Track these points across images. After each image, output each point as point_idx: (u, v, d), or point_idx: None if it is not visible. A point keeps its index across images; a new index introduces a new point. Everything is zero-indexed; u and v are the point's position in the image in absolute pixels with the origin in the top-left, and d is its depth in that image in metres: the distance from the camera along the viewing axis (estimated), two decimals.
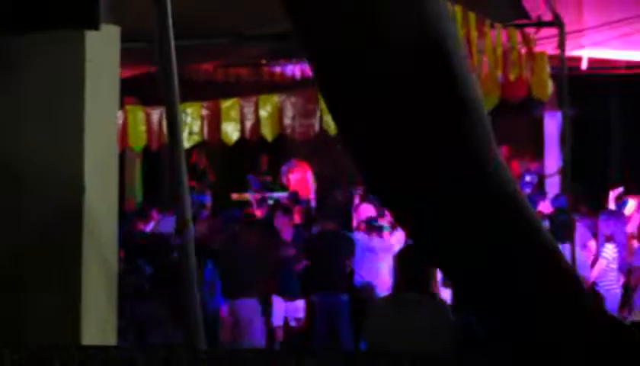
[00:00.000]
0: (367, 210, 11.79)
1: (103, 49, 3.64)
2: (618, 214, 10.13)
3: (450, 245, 1.49)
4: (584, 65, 11.77)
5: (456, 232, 1.47)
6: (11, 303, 3.45)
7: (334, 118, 1.51)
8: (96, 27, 3.56)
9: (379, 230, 10.86)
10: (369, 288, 10.44)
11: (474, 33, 7.82)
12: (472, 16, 7.73)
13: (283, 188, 16.25)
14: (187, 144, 11.56)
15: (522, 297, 1.49)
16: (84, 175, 3.52)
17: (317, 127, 12.12)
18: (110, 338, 3.70)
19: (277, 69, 15.13)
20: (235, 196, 16.15)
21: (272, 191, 16.35)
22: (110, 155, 3.74)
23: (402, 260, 6.51)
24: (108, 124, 3.72)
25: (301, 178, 16.19)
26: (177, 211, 3.97)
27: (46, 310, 3.48)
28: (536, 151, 15.24)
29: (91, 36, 3.57)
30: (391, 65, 1.39)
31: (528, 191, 13.74)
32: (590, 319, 1.50)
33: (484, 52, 7.94)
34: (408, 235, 1.58)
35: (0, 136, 3.52)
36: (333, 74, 1.45)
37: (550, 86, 9.97)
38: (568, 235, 8.10)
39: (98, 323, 3.61)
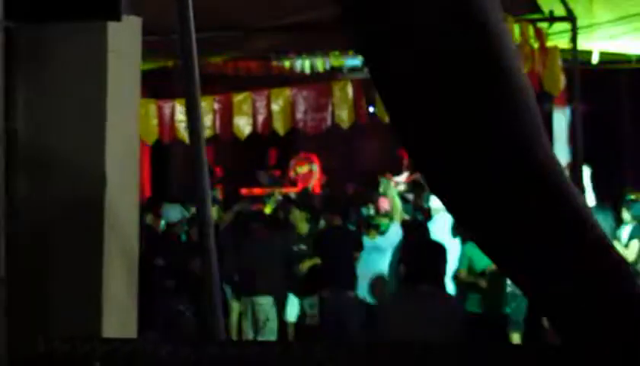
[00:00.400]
0: (384, 204, 11.77)
1: (125, 40, 3.61)
2: None
3: (498, 231, 1.48)
4: (594, 59, 11.72)
5: (504, 218, 1.46)
6: (35, 294, 3.42)
7: (386, 103, 1.50)
8: (118, 18, 3.53)
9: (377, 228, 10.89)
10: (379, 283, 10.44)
11: None
12: None
13: (292, 183, 16.25)
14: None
15: (571, 287, 1.47)
16: (106, 167, 3.49)
17: (329, 121, 12.13)
18: (131, 332, 3.67)
19: (287, 64, 15.10)
20: (244, 191, 16.16)
21: (280, 185, 16.35)
22: (131, 147, 3.71)
23: (413, 253, 6.56)
24: (130, 115, 3.70)
25: (308, 171, 16.19)
26: (198, 206, 3.95)
27: (68, 301, 3.46)
28: None
29: (113, 27, 3.54)
30: (439, 41, 1.38)
31: None
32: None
33: None
34: (457, 221, 1.57)
35: (25, 126, 3.49)
36: (382, 55, 1.44)
37: (562, 81, 9.93)
38: None
39: (119, 316, 3.59)
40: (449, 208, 1.52)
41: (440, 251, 6.44)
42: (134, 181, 3.71)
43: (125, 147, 3.64)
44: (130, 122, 3.70)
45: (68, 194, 3.47)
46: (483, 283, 9.36)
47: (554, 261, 1.45)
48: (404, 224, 10.62)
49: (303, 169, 16.16)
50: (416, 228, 10.34)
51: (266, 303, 10.01)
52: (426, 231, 10.10)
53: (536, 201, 1.44)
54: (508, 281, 9.02)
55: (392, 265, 10.12)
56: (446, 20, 1.37)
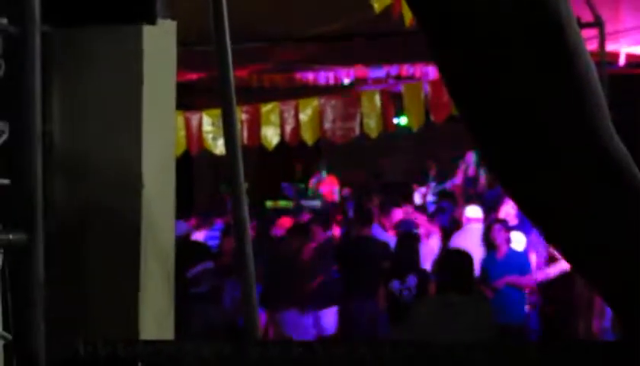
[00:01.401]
0: (399, 215, 11.72)
1: (160, 44, 3.59)
2: None
3: (567, 220, 1.45)
4: (621, 62, 11.67)
5: (573, 205, 1.43)
6: (73, 298, 3.40)
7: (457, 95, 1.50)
8: (153, 21, 3.52)
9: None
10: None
11: None
12: None
13: (318, 196, 16.22)
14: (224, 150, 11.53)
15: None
16: (143, 170, 3.47)
17: (357, 130, 12.11)
18: (168, 335, 3.64)
19: (311, 75, 15.11)
20: (269, 203, 16.15)
21: (306, 198, 16.33)
22: (168, 152, 3.69)
23: (446, 262, 6.66)
24: (166, 119, 3.68)
25: (329, 191, 16.18)
26: (235, 213, 3.95)
27: (106, 304, 3.44)
28: None
29: (148, 30, 3.52)
30: (507, 30, 1.38)
31: None
32: None
33: None
34: (524, 212, 1.53)
35: (62, 129, 3.47)
36: (453, 46, 1.46)
37: None
38: None
39: (156, 319, 3.56)
40: (515, 196, 1.50)
41: (467, 260, 6.54)
42: (171, 185, 3.68)
43: (162, 151, 3.62)
44: (167, 126, 3.68)
45: (105, 198, 3.45)
46: (490, 294, 9.27)
47: (621, 244, 1.42)
48: (398, 235, 10.63)
49: (325, 189, 16.18)
50: (408, 238, 10.35)
51: (294, 316, 9.98)
52: (417, 242, 10.12)
53: (601, 185, 1.42)
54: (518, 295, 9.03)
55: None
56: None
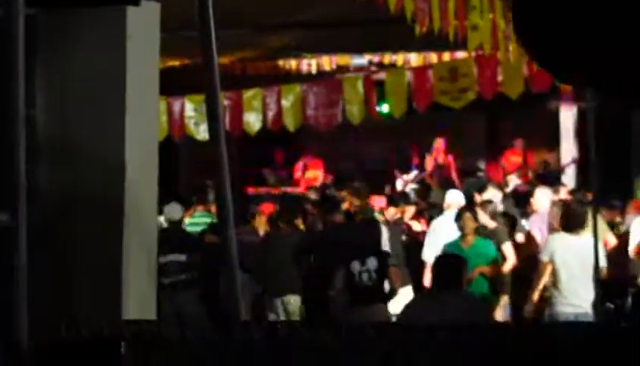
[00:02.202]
0: (379, 203, 11.71)
1: (143, 25, 3.58)
2: None
3: None
4: None
5: None
6: (58, 282, 3.40)
7: None
8: (136, 3, 3.51)
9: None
10: None
11: (501, 20, 7.78)
12: (497, 3, 7.68)
13: (297, 183, 16.17)
14: (207, 136, 11.51)
15: None
16: (126, 154, 3.47)
17: (339, 117, 12.07)
18: (150, 316, 3.65)
19: (294, 63, 15.07)
20: (251, 190, 16.10)
21: (287, 185, 16.28)
22: (151, 137, 3.69)
23: (440, 262, 6.86)
24: (150, 102, 3.67)
25: (314, 177, 16.13)
26: (219, 202, 3.94)
27: (89, 288, 3.44)
28: (552, 142, 15.18)
29: (131, 12, 3.51)
30: None
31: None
32: None
33: (510, 39, 7.90)
34: None
35: (44, 113, 3.46)
36: None
37: None
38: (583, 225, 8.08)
39: (139, 303, 3.56)
40: None
41: (460, 263, 6.74)
42: (154, 170, 3.67)
43: (145, 136, 3.61)
44: (150, 110, 3.67)
45: (88, 181, 3.45)
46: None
47: None
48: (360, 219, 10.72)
49: (310, 174, 16.12)
50: (369, 222, 10.42)
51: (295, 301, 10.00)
52: (377, 226, 10.17)
53: None
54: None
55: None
56: None
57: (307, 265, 10.35)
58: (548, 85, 10.30)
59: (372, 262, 9.10)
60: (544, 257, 8.23)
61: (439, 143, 14.93)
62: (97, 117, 3.50)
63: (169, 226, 10.50)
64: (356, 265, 9.15)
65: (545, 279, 8.22)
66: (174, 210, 10.77)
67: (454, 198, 10.85)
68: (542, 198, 10.38)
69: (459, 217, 9.51)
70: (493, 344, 2.45)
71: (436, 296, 6.61)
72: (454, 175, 14.48)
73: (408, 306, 6.81)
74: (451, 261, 7.08)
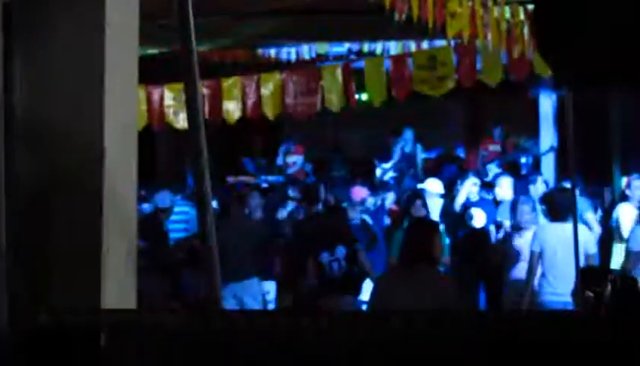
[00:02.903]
0: (360, 193, 11.74)
1: (122, 13, 3.58)
2: None
3: None
4: None
5: None
6: (38, 269, 3.39)
7: None
8: None
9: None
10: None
11: (479, 8, 7.80)
12: None
13: (280, 171, 16.16)
14: (186, 124, 11.48)
15: None
16: (105, 141, 3.46)
17: (318, 105, 12.07)
18: (130, 306, 3.64)
19: (273, 51, 15.03)
20: (231, 179, 16.08)
21: (267, 174, 16.27)
22: (130, 125, 3.69)
23: (412, 233, 6.67)
24: (128, 89, 3.67)
25: (292, 163, 16.10)
26: (198, 192, 3.94)
27: (68, 274, 3.44)
28: (531, 130, 15.24)
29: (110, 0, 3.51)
30: None
31: (524, 172, 13.72)
32: None
33: (489, 26, 7.91)
34: None
35: (23, 99, 3.45)
36: None
37: None
38: (568, 214, 8.11)
39: (118, 290, 3.56)
40: None
41: (433, 230, 6.58)
42: (133, 158, 3.67)
43: (124, 124, 3.61)
44: (129, 98, 3.67)
45: (67, 169, 3.44)
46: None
47: None
48: (327, 208, 10.79)
49: (292, 159, 16.11)
50: (335, 210, 10.50)
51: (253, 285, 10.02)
52: (344, 214, 10.23)
53: None
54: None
55: None
56: None
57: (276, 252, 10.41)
58: (526, 72, 10.33)
59: (340, 251, 9.15)
60: (534, 247, 8.26)
61: (406, 134, 15.07)
62: (76, 104, 3.49)
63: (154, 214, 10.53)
64: (325, 256, 9.19)
65: (537, 270, 8.26)
66: (163, 197, 10.81)
67: (434, 188, 10.97)
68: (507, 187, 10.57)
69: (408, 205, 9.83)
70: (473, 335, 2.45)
71: (406, 272, 6.34)
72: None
73: (379, 282, 6.74)
74: (421, 229, 6.74)
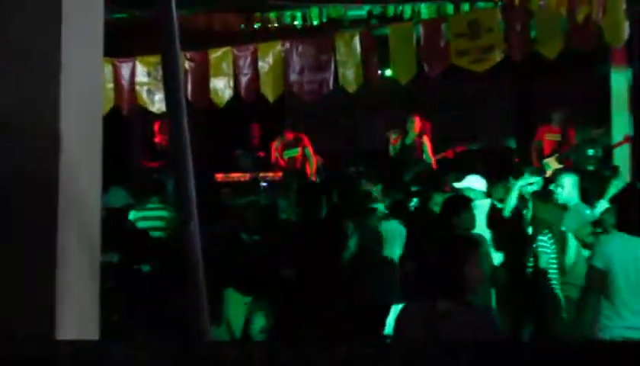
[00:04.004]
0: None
1: None
2: None
3: None
4: None
5: None
6: None
7: None
8: None
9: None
10: None
11: None
12: None
13: (279, 167, 16.20)
14: (163, 107, 11.53)
15: None
16: (61, 132, 3.48)
17: (330, 84, 12.05)
18: (92, 333, 3.67)
19: (273, 15, 15.07)
20: (220, 177, 16.11)
21: (265, 169, 16.30)
22: (93, 104, 3.70)
23: (440, 263, 6.61)
24: (91, 68, 3.68)
25: (297, 156, 16.12)
26: (179, 192, 3.96)
27: (18, 298, 3.45)
28: (600, 116, 15.21)
29: None
30: None
31: (591, 167, 13.72)
32: None
33: None
34: None
35: None
36: None
37: (625, 29, 9.93)
38: None
39: (78, 314, 3.58)
40: None
41: (470, 251, 6.52)
42: (97, 148, 3.70)
43: (86, 105, 3.63)
44: (92, 75, 3.69)
45: (14, 161, 3.46)
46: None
47: None
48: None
49: (291, 153, 16.12)
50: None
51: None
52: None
53: None
54: None
55: None
56: None
57: None
58: (594, 42, 10.33)
59: None
60: (597, 263, 8.12)
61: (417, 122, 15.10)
62: (28, 80, 3.51)
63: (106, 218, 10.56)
64: None
65: (601, 291, 8.18)
66: (114, 196, 10.82)
67: (475, 186, 10.99)
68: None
69: None
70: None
71: (433, 310, 6.33)
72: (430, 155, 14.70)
73: (403, 321, 6.74)
74: (452, 258, 6.44)
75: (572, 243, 9.66)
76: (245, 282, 9.89)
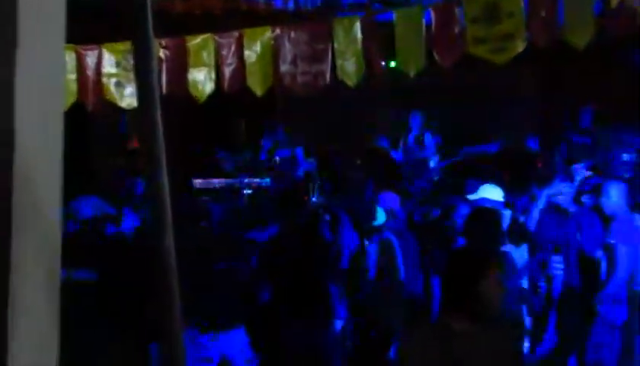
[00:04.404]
0: (390, 200, 11.86)
1: None
2: None
3: None
4: None
5: None
6: None
7: None
8: None
9: None
10: None
11: None
12: None
13: (269, 169, 16.30)
14: (134, 102, 11.56)
15: None
16: (15, 123, 3.47)
17: (327, 76, 12.09)
18: (50, 361, 3.66)
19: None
20: (198, 182, 16.20)
21: (252, 174, 16.39)
22: (53, 98, 3.69)
23: (456, 279, 6.65)
24: (50, 56, 3.67)
25: (291, 157, 16.24)
26: (150, 198, 3.96)
27: None
28: (637, 114, 15.26)
29: None
30: None
31: (628, 174, 13.77)
32: None
33: None
34: None
35: None
36: None
37: None
38: None
39: (35, 340, 3.58)
40: None
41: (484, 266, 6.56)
42: (57, 147, 3.69)
43: (44, 99, 3.63)
44: (52, 62, 3.68)
45: None
46: None
47: None
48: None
49: (285, 154, 16.21)
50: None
51: None
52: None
53: None
54: None
55: None
56: None
57: None
58: (630, 28, 10.35)
59: None
60: None
61: (414, 119, 15.18)
62: None
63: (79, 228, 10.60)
64: None
65: None
66: (86, 204, 10.86)
67: (491, 195, 11.03)
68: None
69: None
70: None
71: (444, 334, 6.41)
72: None
73: (406, 342, 6.77)
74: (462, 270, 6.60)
75: (623, 256, 9.71)
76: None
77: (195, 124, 16.38)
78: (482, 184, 11.56)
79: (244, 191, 14.89)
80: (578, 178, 12.64)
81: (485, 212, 10.14)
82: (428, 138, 15.50)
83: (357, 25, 12.09)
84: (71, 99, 12.20)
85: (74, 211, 11.07)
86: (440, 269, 9.36)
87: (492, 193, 11.33)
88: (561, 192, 11.06)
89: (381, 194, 12.27)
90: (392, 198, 12.12)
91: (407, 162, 15.26)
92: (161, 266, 3.89)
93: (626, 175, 13.49)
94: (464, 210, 10.92)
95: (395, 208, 11.83)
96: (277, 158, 16.13)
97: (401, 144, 15.29)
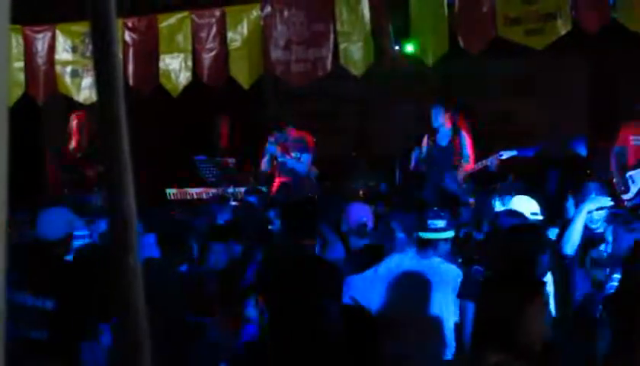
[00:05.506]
0: (359, 212, 11.90)
1: None
2: None
3: None
4: None
5: None
6: None
7: None
8: None
9: None
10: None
11: None
12: None
13: (259, 178, 16.27)
14: (93, 95, 11.62)
15: None
16: None
17: (329, 64, 12.08)
18: None
19: None
20: (174, 193, 16.21)
21: (237, 183, 16.39)
22: None
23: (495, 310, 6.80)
24: None
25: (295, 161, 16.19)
26: (112, 209, 4.00)
27: None
28: None
29: None
30: None
31: None
32: None
33: None
34: None
35: None
36: None
37: None
38: None
39: None
40: None
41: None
42: (2, 147, 3.77)
43: None
44: None
45: None
46: None
47: None
48: None
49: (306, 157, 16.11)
50: None
51: None
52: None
53: None
54: None
55: None
56: None
57: None
58: None
59: None
60: None
61: (437, 113, 15.17)
62: None
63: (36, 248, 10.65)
64: None
65: None
66: (51, 223, 10.87)
67: (527, 207, 11.07)
68: None
69: None
70: None
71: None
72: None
73: None
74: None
75: None
76: None
77: (168, 123, 16.39)
78: (515, 194, 11.57)
79: (230, 203, 14.88)
80: (634, 188, 12.69)
81: (525, 230, 10.13)
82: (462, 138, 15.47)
83: (364, 2, 12.00)
84: (18, 91, 12.23)
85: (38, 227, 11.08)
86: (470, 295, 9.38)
87: (526, 205, 11.35)
88: (605, 207, 11.09)
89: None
90: (362, 209, 12.09)
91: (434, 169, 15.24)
92: (128, 293, 3.93)
93: None
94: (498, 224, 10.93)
95: (368, 220, 11.83)
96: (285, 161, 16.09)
97: (427, 146, 15.27)
